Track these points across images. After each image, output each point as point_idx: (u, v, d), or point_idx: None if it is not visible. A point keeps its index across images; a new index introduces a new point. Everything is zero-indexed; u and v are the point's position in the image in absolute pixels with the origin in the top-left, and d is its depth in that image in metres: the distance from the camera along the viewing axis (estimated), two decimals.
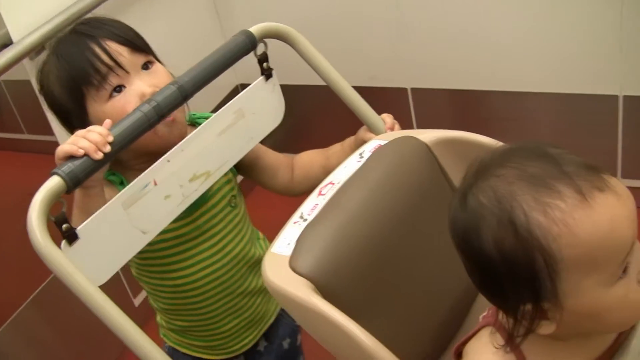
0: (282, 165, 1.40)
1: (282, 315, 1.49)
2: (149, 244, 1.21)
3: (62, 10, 1.78)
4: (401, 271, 1.15)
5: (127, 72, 1.16)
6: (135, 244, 1.11)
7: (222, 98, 2.42)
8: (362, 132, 1.35)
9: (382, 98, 2.38)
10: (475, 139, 1.23)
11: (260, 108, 1.26)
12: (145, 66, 1.19)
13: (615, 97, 2.16)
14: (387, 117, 1.36)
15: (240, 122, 1.22)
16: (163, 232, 1.22)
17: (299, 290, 1.01)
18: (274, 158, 1.40)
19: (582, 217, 0.80)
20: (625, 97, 2.15)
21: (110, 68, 1.14)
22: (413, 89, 2.43)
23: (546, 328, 0.87)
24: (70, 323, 1.98)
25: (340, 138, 1.41)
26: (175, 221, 1.23)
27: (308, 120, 2.64)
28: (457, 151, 1.24)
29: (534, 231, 0.81)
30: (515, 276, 0.84)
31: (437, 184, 1.23)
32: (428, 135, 1.24)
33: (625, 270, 0.84)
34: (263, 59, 1.25)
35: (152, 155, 1.15)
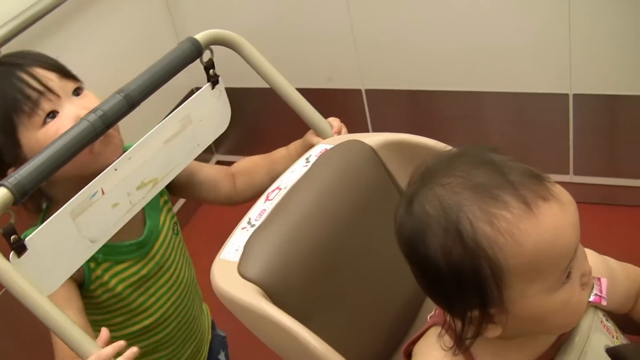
0: (221, 176, 1.40)
1: (212, 328, 1.51)
2: (115, 295, 1.23)
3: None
4: (350, 274, 1.17)
5: (58, 96, 1.15)
6: (84, 252, 1.11)
7: (178, 101, 2.42)
8: (310, 136, 1.35)
9: (338, 99, 2.41)
10: (421, 142, 1.26)
11: (207, 115, 1.27)
12: (76, 92, 1.18)
13: (565, 96, 2.20)
14: (334, 121, 1.37)
15: (187, 129, 1.23)
16: (126, 278, 1.24)
17: (248, 295, 1.02)
18: (209, 171, 1.40)
19: (527, 228, 0.82)
20: (575, 95, 2.19)
21: (41, 93, 1.13)
22: (367, 90, 2.45)
23: (493, 332, 0.89)
24: (28, 334, 1.96)
25: (291, 140, 1.42)
26: (135, 264, 1.25)
27: (261, 122, 2.65)
28: (403, 153, 1.26)
29: (480, 241, 0.82)
30: (462, 284, 0.85)
31: (384, 186, 1.25)
32: (374, 139, 1.26)
33: (568, 276, 0.87)
34: (209, 65, 1.25)
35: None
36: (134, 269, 1.25)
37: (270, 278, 1.05)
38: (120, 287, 1.24)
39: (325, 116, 1.37)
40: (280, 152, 1.40)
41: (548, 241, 0.82)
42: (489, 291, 0.84)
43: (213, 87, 1.27)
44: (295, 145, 1.39)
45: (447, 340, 0.96)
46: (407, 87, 2.38)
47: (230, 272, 1.06)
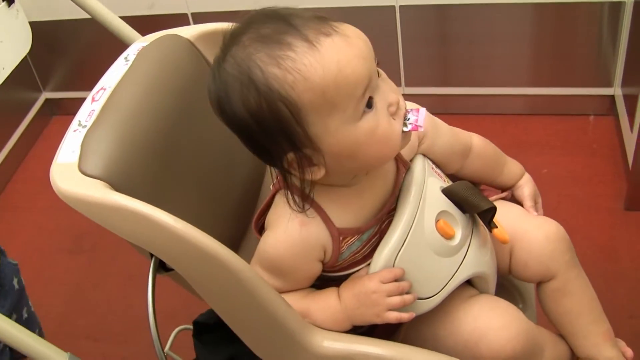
0: None
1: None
2: None
3: None
4: (190, 161, 1.23)
5: None
6: None
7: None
8: None
9: (164, 26, 2.42)
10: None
11: (6, 36, 1.27)
12: None
13: (392, 8, 2.33)
14: None
15: None
16: None
17: (95, 191, 1.03)
18: None
19: (311, 62, 0.91)
20: (401, 6, 2.33)
21: None
22: (194, 14, 2.47)
23: (317, 173, 0.98)
24: None
25: None
26: None
27: (88, 55, 2.58)
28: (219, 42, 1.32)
29: (272, 84, 0.92)
30: (268, 130, 0.94)
31: (204, 76, 1.29)
32: (189, 31, 1.32)
33: (371, 106, 0.95)
34: None
35: None
36: None
37: (113, 172, 1.07)
38: None
39: None
40: None
41: (334, 72, 0.91)
42: (293, 130, 0.93)
43: (9, 6, 1.27)
44: None
45: (292, 198, 1.04)
46: (234, 8, 2.40)
47: (71, 172, 1.06)
